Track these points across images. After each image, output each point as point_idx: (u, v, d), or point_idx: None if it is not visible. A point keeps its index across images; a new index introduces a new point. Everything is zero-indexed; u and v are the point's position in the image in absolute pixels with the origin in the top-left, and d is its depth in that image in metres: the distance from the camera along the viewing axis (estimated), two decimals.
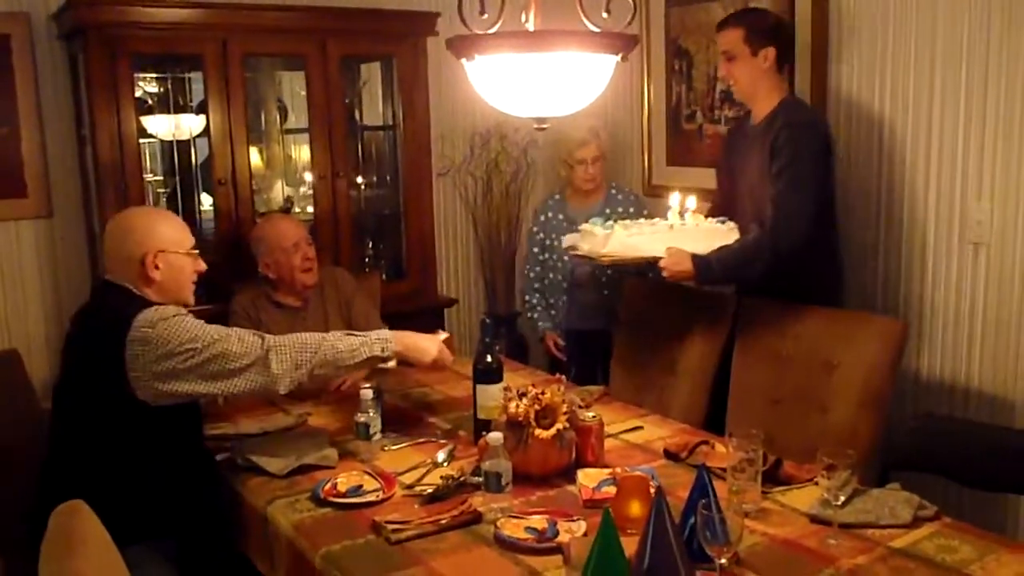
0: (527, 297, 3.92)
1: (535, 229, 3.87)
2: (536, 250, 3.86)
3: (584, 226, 3.09)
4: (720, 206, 3.17)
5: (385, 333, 2.41)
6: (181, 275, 2.33)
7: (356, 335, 2.36)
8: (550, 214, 3.82)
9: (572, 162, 3.70)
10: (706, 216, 3.04)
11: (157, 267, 2.26)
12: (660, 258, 2.89)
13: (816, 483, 2.03)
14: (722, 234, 2.92)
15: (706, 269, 2.83)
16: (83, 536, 1.56)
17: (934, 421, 2.72)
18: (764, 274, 2.84)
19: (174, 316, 2.17)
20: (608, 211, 3.66)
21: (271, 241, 3.19)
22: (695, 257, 2.83)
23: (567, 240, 3.20)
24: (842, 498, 1.87)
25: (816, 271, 2.94)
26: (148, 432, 2.21)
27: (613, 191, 3.78)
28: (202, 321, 2.23)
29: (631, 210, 3.69)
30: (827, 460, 1.86)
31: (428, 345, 2.46)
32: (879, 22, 3.12)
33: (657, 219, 3.04)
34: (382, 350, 2.34)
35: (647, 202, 3.83)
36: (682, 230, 2.93)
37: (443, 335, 2.56)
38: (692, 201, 3.03)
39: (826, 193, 2.89)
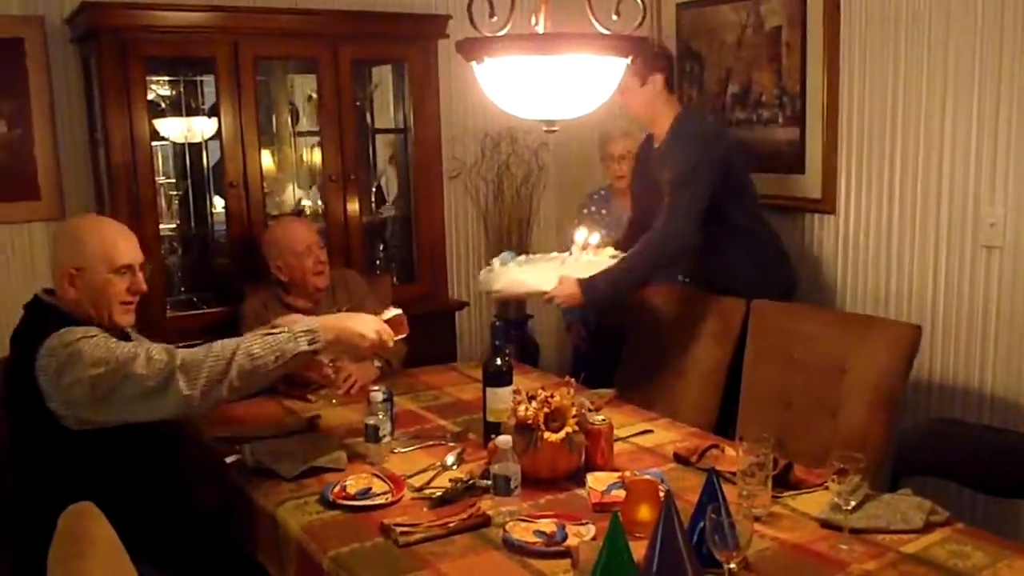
0: None
1: (576, 222, 3.86)
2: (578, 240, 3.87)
3: (493, 261, 3.20)
4: (636, 226, 3.30)
5: (311, 322, 2.21)
6: (101, 296, 2.18)
7: (277, 332, 2.16)
8: (592, 208, 3.84)
9: (604, 156, 3.74)
10: (616, 245, 3.23)
11: (73, 285, 2.17)
12: (544, 292, 3.05)
13: (827, 488, 2.02)
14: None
15: (590, 288, 2.97)
16: (92, 537, 1.57)
17: (946, 425, 2.70)
18: (647, 279, 3.07)
19: (78, 339, 2.05)
20: None
21: (283, 244, 3.20)
22: (581, 280, 2.98)
23: (480, 277, 3.29)
24: (853, 503, 1.86)
25: (747, 262, 3.11)
26: (98, 452, 2.13)
27: None
28: (110, 341, 2.09)
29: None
30: (838, 464, 1.85)
31: (363, 328, 2.27)
32: (891, 23, 3.11)
33: (556, 254, 3.14)
34: (310, 343, 2.15)
35: None
36: (571, 264, 3.06)
37: (390, 312, 2.42)
38: (596, 237, 3.18)
39: (718, 192, 3.00)
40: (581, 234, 3.10)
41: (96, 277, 2.18)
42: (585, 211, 3.85)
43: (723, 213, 3.04)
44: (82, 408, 2.05)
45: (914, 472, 2.42)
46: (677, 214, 2.96)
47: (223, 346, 2.10)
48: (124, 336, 2.28)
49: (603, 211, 3.80)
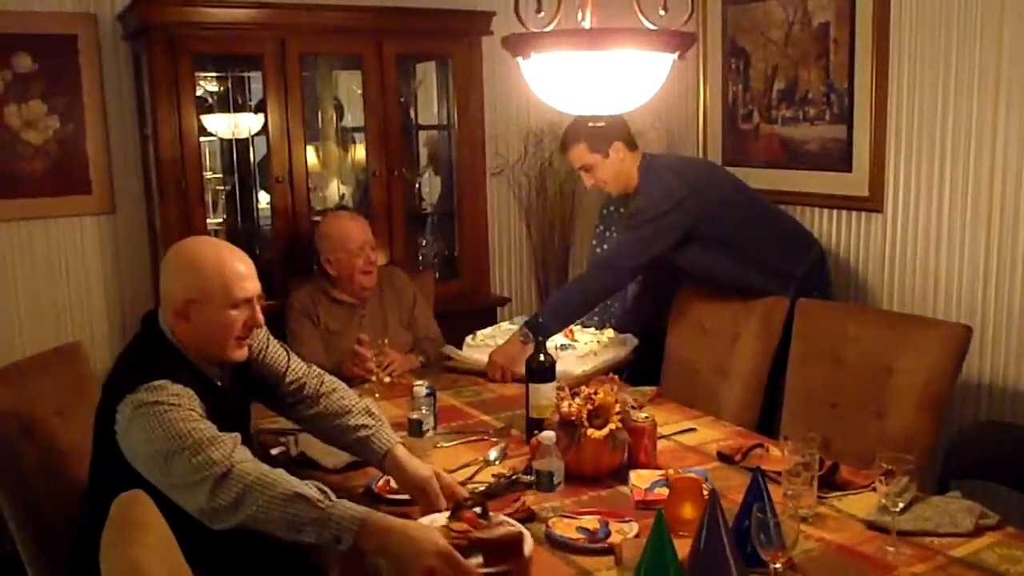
0: None
1: (596, 222, 3.90)
2: (594, 243, 3.87)
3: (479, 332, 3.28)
4: (649, 293, 3.46)
5: (356, 515, 1.74)
6: (216, 331, 1.99)
7: (321, 503, 1.75)
8: (612, 207, 3.83)
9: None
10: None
11: (187, 318, 1.98)
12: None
13: (874, 489, 1.99)
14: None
15: (538, 328, 2.79)
16: (144, 523, 1.59)
17: (996, 428, 2.66)
18: (589, 308, 3.15)
19: (156, 403, 1.85)
20: None
21: (336, 239, 3.24)
22: (525, 326, 3.02)
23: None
24: (901, 505, 1.83)
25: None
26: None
27: None
28: (190, 421, 1.85)
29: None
30: (885, 466, 1.83)
31: (424, 546, 1.68)
32: (942, 19, 3.06)
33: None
34: (335, 540, 1.73)
35: None
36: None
37: (496, 528, 1.79)
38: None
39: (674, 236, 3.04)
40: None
41: (214, 312, 1.98)
42: (604, 211, 3.85)
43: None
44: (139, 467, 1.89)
45: (963, 475, 2.38)
46: (621, 252, 3.08)
47: (284, 480, 1.80)
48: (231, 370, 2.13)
49: (622, 210, 3.76)
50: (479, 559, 1.72)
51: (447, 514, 1.90)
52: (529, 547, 1.76)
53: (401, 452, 2.11)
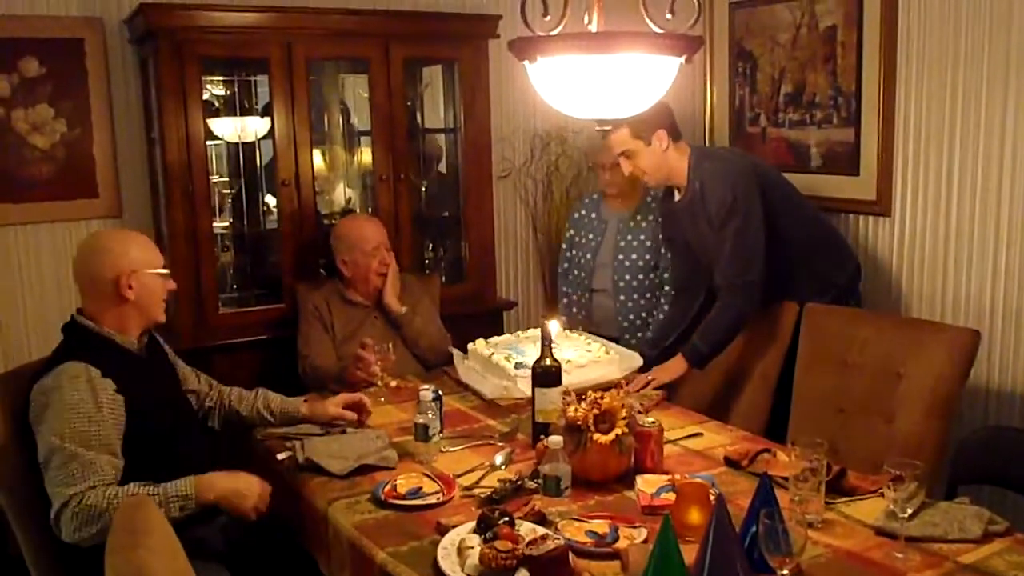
0: (563, 300, 3.85)
1: (567, 226, 3.85)
2: (564, 247, 3.83)
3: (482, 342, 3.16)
4: (685, 292, 3.32)
5: (184, 486, 2.13)
6: (153, 295, 2.34)
7: (158, 489, 2.11)
8: (583, 212, 3.78)
9: (594, 164, 3.68)
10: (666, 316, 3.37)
11: (131, 287, 2.28)
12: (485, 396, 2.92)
13: (882, 495, 1.98)
14: None
15: (697, 358, 2.94)
16: (148, 528, 1.59)
17: (1005, 433, 2.64)
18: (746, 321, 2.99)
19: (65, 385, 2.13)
20: (639, 217, 3.63)
21: (352, 240, 3.27)
22: (684, 355, 2.96)
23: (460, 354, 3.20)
24: (909, 511, 1.82)
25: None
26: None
27: (649, 199, 3.65)
28: (86, 408, 2.12)
29: (660, 220, 3.64)
30: (893, 471, 1.82)
31: (244, 488, 2.21)
32: (950, 23, 3.05)
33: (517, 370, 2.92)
34: (181, 509, 2.10)
35: None
36: (521, 384, 2.82)
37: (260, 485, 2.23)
38: (555, 325, 2.92)
39: (770, 216, 2.95)
40: (554, 325, 2.85)
41: (149, 279, 2.32)
42: (576, 215, 3.80)
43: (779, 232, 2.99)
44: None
45: (972, 480, 2.37)
46: (745, 261, 2.91)
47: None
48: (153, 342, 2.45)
49: (593, 215, 3.73)
50: (525, 575, 1.74)
51: (473, 530, 1.91)
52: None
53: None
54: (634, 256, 3.60)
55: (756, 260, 2.91)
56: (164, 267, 2.40)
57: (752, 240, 2.91)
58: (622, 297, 3.61)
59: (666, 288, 3.60)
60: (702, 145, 3.12)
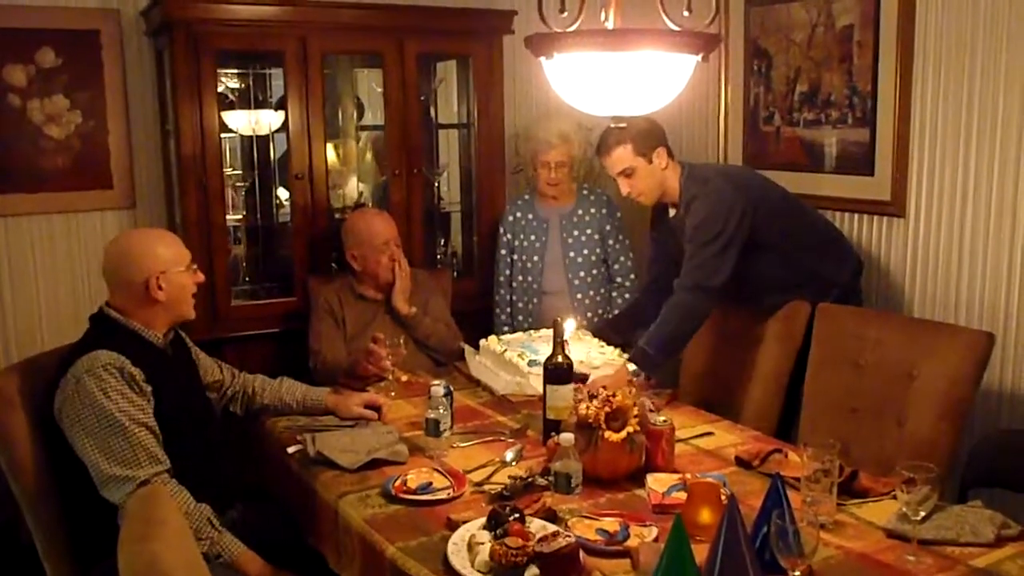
0: (496, 311, 3.79)
1: (502, 230, 3.76)
2: (503, 252, 3.76)
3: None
4: (655, 291, 3.22)
5: (235, 548, 2.17)
6: (183, 292, 2.37)
7: (214, 538, 2.14)
8: (519, 214, 3.73)
9: (537, 164, 3.63)
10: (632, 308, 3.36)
11: (161, 288, 2.31)
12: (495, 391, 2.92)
13: (894, 497, 1.97)
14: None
15: (645, 361, 2.86)
16: (162, 519, 1.60)
17: (1017, 436, 2.63)
18: (690, 337, 2.95)
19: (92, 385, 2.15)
20: (581, 212, 3.62)
21: (362, 235, 3.28)
22: (632, 358, 2.87)
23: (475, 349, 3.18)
24: (922, 514, 1.82)
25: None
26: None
27: (585, 192, 3.69)
28: (125, 390, 2.18)
29: (603, 211, 3.64)
30: (906, 474, 1.81)
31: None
32: (968, 23, 3.03)
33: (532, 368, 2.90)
34: (211, 546, 2.13)
35: (619, 205, 3.68)
36: (533, 380, 2.81)
37: None
38: (571, 323, 3.03)
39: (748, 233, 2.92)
40: (569, 324, 2.91)
41: (177, 277, 2.35)
42: (510, 218, 3.73)
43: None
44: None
45: (984, 484, 2.36)
46: (705, 272, 2.89)
47: (194, 510, 2.15)
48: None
49: (530, 215, 3.70)
50: (535, 572, 1.74)
51: (483, 526, 1.91)
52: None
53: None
54: (585, 251, 3.60)
55: (718, 275, 2.88)
56: (191, 261, 2.42)
57: (713, 253, 2.88)
58: (579, 295, 3.61)
59: (618, 280, 3.63)
60: (694, 163, 3.11)
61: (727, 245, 2.88)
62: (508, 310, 3.78)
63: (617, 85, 2.01)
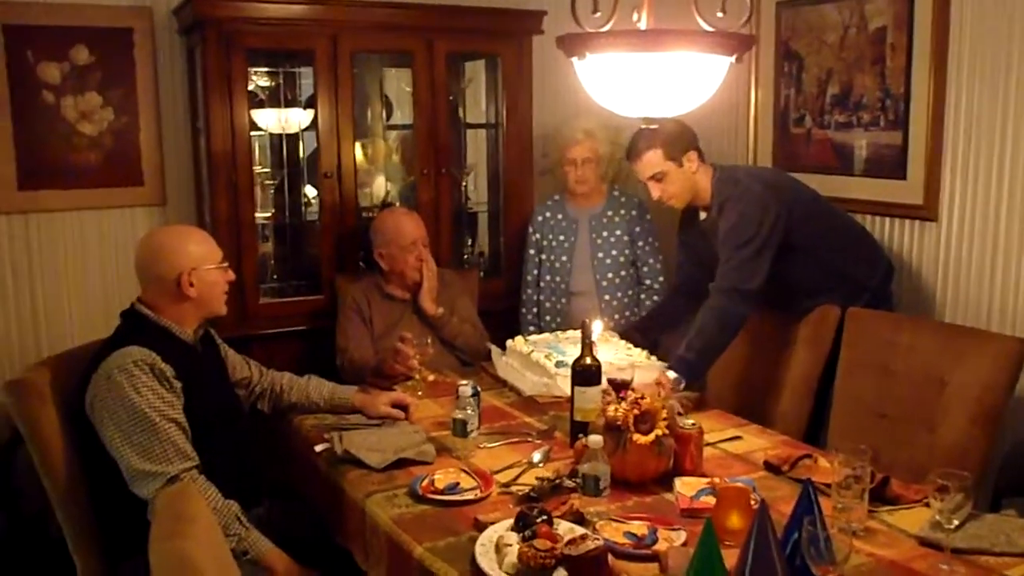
0: (523, 310, 3.78)
1: (531, 230, 3.75)
2: (532, 252, 3.75)
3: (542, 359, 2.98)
4: (682, 293, 3.30)
5: (262, 545, 2.16)
6: (214, 289, 2.39)
7: (242, 536, 2.13)
8: (548, 214, 3.72)
9: (564, 162, 3.62)
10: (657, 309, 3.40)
11: (192, 284, 2.32)
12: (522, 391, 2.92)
13: (926, 504, 1.95)
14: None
15: (687, 369, 2.83)
16: (192, 517, 1.60)
17: None
18: (736, 332, 2.90)
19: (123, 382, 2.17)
20: (611, 213, 3.60)
21: (390, 234, 3.28)
22: (674, 367, 2.83)
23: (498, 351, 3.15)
24: (956, 522, 1.79)
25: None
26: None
27: (616, 193, 3.67)
28: (157, 387, 2.19)
29: (633, 212, 3.62)
30: (940, 481, 1.79)
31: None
32: (1004, 24, 2.99)
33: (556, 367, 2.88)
34: (239, 543, 2.12)
35: (649, 207, 3.64)
36: (561, 381, 2.78)
37: None
38: (599, 325, 2.97)
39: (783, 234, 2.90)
40: (597, 325, 2.88)
41: (209, 274, 2.37)
42: (539, 218, 3.73)
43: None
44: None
45: (1018, 493, 2.33)
46: (742, 275, 2.86)
47: (222, 506, 2.16)
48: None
49: (559, 216, 3.68)
50: (563, 574, 1.74)
51: (511, 528, 1.90)
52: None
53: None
54: (614, 252, 3.59)
55: (754, 279, 2.86)
56: (222, 259, 2.43)
57: (749, 256, 2.86)
58: (606, 297, 3.59)
59: (647, 283, 3.60)
60: (725, 165, 3.09)
61: (762, 248, 2.86)
62: (535, 310, 3.76)
63: (650, 86, 2.00)
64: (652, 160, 2.96)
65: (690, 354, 2.84)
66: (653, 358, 3.00)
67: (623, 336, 3.21)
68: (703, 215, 3.09)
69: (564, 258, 3.63)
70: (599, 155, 3.61)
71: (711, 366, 2.94)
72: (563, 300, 3.68)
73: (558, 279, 3.68)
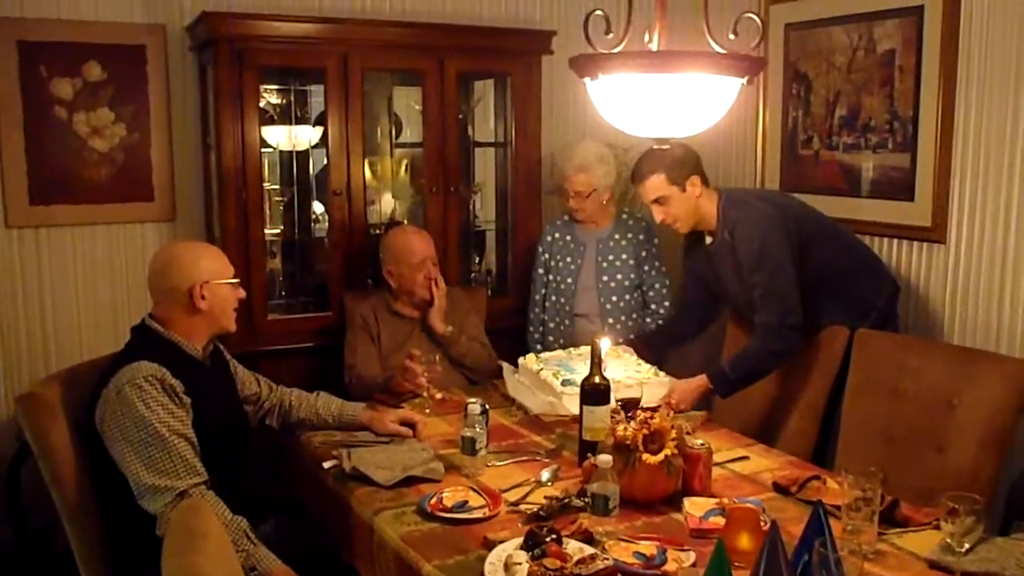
0: (530, 329, 3.77)
1: (540, 249, 3.74)
2: (540, 271, 3.73)
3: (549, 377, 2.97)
4: (687, 310, 3.36)
5: (270, 562, 2.15)
6: (225, 304, 2.41)
7: (250, 550, 2.12)
8: (557, 235, 3.71)
9: (564, 191, 3.60)
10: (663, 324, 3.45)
11: (203, 297, 2.34)
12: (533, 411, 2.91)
13: (936, 527, 1.95)
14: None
15: (723, 383, 2.94)
16: (203, 532, 1.61)
17: None
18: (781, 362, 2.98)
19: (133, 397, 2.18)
20: (618, 236, 3.60)
21: (399, 252, 3.29)
22: (709, 377, 2.95)
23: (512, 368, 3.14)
24: (966, 545, 1.79)
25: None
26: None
27: (624, 216, 3.66)
28: (166, 401, 2.21)
29: (641, 237, 3.61)
30: (950, 504, 1.79)
31: None
32: (1013, 47, 3.00)
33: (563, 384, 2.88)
34: (247, 558, 2.10)
35: (658, 230, 3.61)
36: (568, 400, 2.78)
37: None
38: (606, 342, 2.89)
39: (798, 257, 2.94)
40: (605, 343, 2.80)
41: (220, 289, 2.39)
42: (548, 238, 3.72)
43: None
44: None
45: None
46: (779, 303, 2.90)
47: (231, 521, 2.15)
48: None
49: (568, 237, 3.67)
50: None
51: (520, 547, 1.90)
52: None
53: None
54: (619, 276, 3.58)
55: (791, 303, 2.90)
56: (234, 277, 2.46)
57: (784, 285, 2.90)
58: (610, 320, 3.58)
59: (652, 307, 3.60)
60: (730, 189, 3.11)
61: (777, 262, 2.90)
62: (540, 329, 3.76)
63: (662, 107, 2.01)
64: (655, 184, 2.97)
65: (732, 373, 2.92)
66: (662, 374, 3.00)
67: (630, 344, 3.23)
68: (708, 239, 3.10)
69: (569, 280, 3.63)
70: (598, 186, 3.55)
71: (743, 389, 2.99)
72: (567, 321, 3.67)
73: (562, 300, 3.67)
